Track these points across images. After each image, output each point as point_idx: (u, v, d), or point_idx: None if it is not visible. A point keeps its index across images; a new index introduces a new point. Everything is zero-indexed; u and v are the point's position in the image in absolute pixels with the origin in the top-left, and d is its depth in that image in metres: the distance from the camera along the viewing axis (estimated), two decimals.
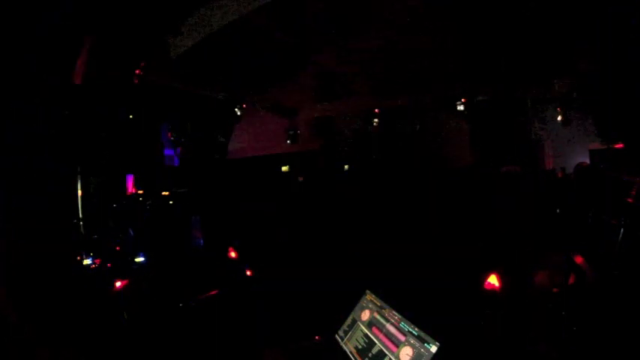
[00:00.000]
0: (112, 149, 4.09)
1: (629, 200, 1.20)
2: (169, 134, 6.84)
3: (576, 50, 6.14)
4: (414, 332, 1.10)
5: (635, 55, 4.07)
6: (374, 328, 1.24)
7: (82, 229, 5.54)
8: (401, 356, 1.09)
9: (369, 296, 1.36)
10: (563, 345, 1.28)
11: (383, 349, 1.16)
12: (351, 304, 1.40)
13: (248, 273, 2.28)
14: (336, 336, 1.36)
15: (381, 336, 1.20)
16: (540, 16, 5.57)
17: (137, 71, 6.50)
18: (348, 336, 1.31)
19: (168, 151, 6.69)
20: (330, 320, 1.42)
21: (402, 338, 1.12)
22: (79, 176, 5.83)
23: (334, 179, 10.28)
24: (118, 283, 2.04)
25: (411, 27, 5.02)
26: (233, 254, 2.54)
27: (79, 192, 5.80)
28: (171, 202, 3.05)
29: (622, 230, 1.23)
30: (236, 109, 8.72)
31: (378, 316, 1.26)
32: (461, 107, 8.26)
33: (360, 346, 1.24)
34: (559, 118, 7.92)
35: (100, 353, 1.78)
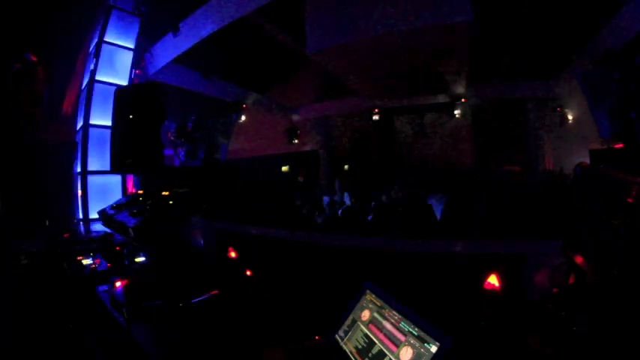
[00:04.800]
0: (112, 149, 4.09)
1: (629, 200, 1.19)
2: (169, 134, 6.84)
3: (577, 49, 6.14)
4: (414, 332, 1.10)
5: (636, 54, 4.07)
6: (374, 328, 1.24)
7: (82, 229, 5.54)
8: (401, 356, 1.09)
9: (369, 296, 1.36)
10: (563, 345, 1.28)
11: (383, 349, 1.16)
12: (351, 304, 1.40)
13: (248, 273, 2.28)
14: (336, 336, 1.36)
15: (381, 336, 1.20)
16: (542, 16, 5.57)
17: (137, 71, 6.51)
18: (348, 336, 1.31)
19: (168, 151, 6.69)
20: (330, 320, 1.42)
21: (402, 338, 1.12)
22: (79, 176, 5.84)
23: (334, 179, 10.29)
24: (118, 283, 2.04)
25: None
26: (233, 254, 2.54)
27: (79, 192, 5.81)
28: (171, 202, 3.04)
29: (622, 230, 1.23)
30: (236, 110, 8.72)
31: (378, 316, 1.26)
32: (461, 107, 8.27)
33: (360, 346, 1.24)
34: (559, 118, 7.92)
35: (100, 353, 1.78)
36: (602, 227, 1.33)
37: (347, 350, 1.27)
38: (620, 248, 1.22)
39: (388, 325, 1.20)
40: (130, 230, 2.71)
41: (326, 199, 7.14)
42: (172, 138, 6.88)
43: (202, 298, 1.94)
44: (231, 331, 1.63)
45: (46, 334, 1.69)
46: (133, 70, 6.36)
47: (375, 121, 9.47)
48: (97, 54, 5.86)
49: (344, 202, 7.09)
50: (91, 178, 5.79)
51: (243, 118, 8.89)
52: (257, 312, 1.85)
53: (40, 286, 2.34)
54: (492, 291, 1.68)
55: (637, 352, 1.07)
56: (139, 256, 2.71)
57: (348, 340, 1.30)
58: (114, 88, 4.45)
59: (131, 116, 3.66)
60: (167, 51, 6.35)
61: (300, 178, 10.61)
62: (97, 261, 2.73)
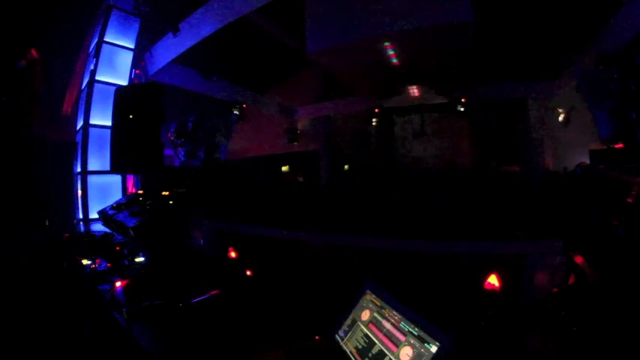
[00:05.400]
0: (111, 149, 4.09)
1: (629, 200, 1.20)
2: (169, 134, 6.85)
3: (577, 49, 6.14)
4: (414, 332, 1.10)
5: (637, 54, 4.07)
6: (374, 328, 1.24)
7: (82, 229, 5.54)
8: (401, 356, 1.09)
9: (369, 296, 1.36)
10: (563, 345, 1.28)
11: (383, 349, 1.16)
12: (351, 304, 1.40)
13: (248, 273, 2.28)
14: (336, 336, 1.36)
15: (381, 336, 1.20)
16: (542, 16, 5.57)
17: (137, 71, 6.51)
18: (348, 336, 1.31)
19: (168, 151, 6.70)
20: (330, 320, 1.42)
21: (402, 338, 1.12)
22: (79, 176, 5.83)
23: (334, 179, 10.29)
24: (118, 283, 2.05)
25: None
26: (233, 254, 2.54)
27: (79, 192, 5.81)
28: (171, 202, 3.04)
29: (622, 230, 1.23)
30: (236, 109, 8.73)
31: (378, 316, 1.26)
32: (461, 107, 8.26)
33: (360, 346, 1.24)
34: (559, 118, 7.92)
35: (100, 353, 1.78)
36: (602, 227, 1.33)
37: (347, 350, 1.27)
38: (620, 248, 1.22)
39: (388, 325, 1.20)
40: (130, 230, 2.71)
41: None
42: (172, 138, 6.88)
43: (202, 298, 1.94)
44: (231, 331, 1.63)
45: (46, 335, 1.69)
46: (133, 70, 6.37)
47: (375, 121, 9.46)
48: (97, 54, 5.86)
49: None
50: (91, 178, 5.79)
51: (243, 117, 8.89)
52: (257, 312, 1.84)
53: (40, 286, 2.34)
54: (492, 291, 1.68)
55: (637, 351, 1.07)
56: (139, 256, 2.71)
57: (348, 340, 1.30)
58: (114, 88, 4.45)
59: (131, 116, 3.66)
60: (167, 51, 6.35)
61: (300, 178, 10.61)
62: (97, 261, 2.73)
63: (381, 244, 3.02)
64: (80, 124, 5.92)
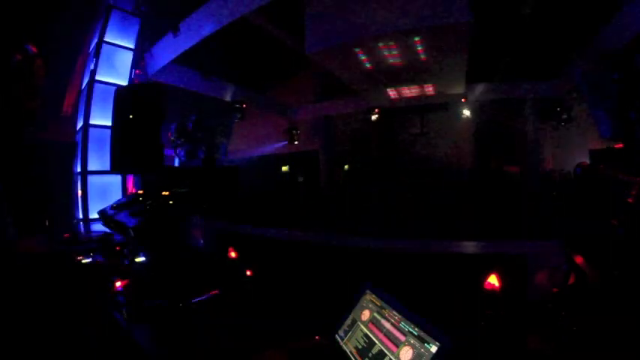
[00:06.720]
0: (111, 149, 4.08)
1: (629, 200, 1.20)
2: (169, 134, 6.83)
3: (577, 48, 6.14)
4: (414, 332, 1.10)
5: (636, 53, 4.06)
6: (374, 328, 1.24)
7: (82, 229, 5.54)
8: (401, 356, 1.09)
9: (369, 296, 1.36)
10: (562, 345, 1.28)
11: (383, 349, 1.16)
12: (351, 304, 1.40)
13: (248, 273, 2.28)
14: (336, 336, 1.36)
15: (381, 336, 1.20)
16: (542, 16, 5.57)
17: (137, 71, 6.51)
18: (348, 336, 1.31)
19: (168, 151, 6.69)
20: (330, 320, 1.42)
21: (402, 338, 1.12)
22: (79, 176, 5.83)
23: (334, 179, 10.29)
24: (118, 283, 2.05)
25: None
26: (233, 254, 2.54)
27: (79, 192, 5.81)
28: (171, 202, 3.04)
29: (622, 230, 1.23)
30: (236, 109, 8.72)
31: (378, 316, 1.26)
32: (461, 107, 8.26)
33: (360, 346, 1.24)
34: (559, 118, 7.90)
35: (99, 354, 1.78)
36: (602, 227, 1.33)
37: (347, 350, 1.27)
38: (620, 248, 1.22)
39: (388, 325, 1.20)
40: (130, 230, 2.71)
41: None
42: (172, 138, 6.87)
43: (202, 298, 1.95)
44: (231, 331, 1.63)
45: (46, 335, 1.70)
46: (133, 70, 6.37)
47: (375, 121, 9.46)
48: (97, 54, 5.86)
49: None
50: (91, 178, 5.79)
51: (243, 118, 8.88)
52: (257, 312, 1.85)
53: (40, 286, 2.34)
54: (492, 291, 1.68)
55: (636, 351, 1.07)
56: (139, 256, 2.70)
57: (348, 340, 1.30)
58: (114, 88, 4.43)
59: (131, 116, 3.64)
60: (167, 51, 6.34)
61: (300, 178, 10.61)
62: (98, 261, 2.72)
63: (380, 244, 3.02)
64: (80, 124, 5.92)
